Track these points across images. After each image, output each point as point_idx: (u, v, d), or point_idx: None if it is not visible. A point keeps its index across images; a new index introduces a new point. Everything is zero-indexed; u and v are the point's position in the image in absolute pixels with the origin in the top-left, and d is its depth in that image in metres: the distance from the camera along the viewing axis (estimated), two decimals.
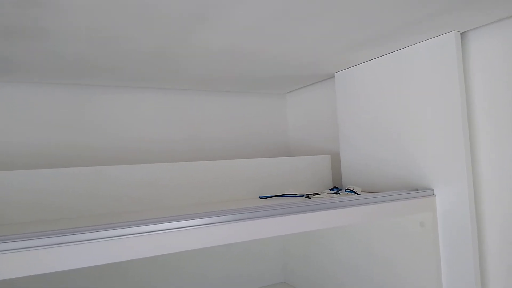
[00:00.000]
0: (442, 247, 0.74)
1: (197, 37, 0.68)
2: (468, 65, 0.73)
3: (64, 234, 0.48)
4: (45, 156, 0.94)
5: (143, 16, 0.58)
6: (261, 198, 0.87)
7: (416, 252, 0.76)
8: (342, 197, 0.73)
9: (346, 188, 0.86)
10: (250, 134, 1.21)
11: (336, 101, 1.01)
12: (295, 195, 0.86)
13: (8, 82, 0.92)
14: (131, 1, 0.53)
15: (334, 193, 0.87)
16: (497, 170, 0.69)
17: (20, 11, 0.54)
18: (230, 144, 1.18)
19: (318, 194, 0.86)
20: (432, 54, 0.75)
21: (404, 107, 0.81)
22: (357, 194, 0.81)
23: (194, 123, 1.13)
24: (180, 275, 1.00)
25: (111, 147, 1.01)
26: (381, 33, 0.71)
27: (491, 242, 0.70)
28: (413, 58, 0.79)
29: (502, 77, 0.68)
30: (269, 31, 0.67)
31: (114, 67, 0.84)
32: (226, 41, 0.71)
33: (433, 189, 0.75)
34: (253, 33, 0.67)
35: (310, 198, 0.82)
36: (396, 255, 0.80)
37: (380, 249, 0.83)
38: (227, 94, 1.18)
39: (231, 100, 1.19)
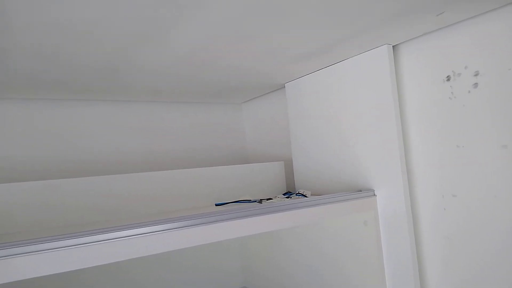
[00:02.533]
0: (384, 243, 0.79)
1: (146, 53, 0.71)
2: (401, 75, 0.80)
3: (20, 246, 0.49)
4: (4, 169, 0.93)
5: (91, 34, 0.60)
6: (216, 205, 0.90)
7: (361, 249, 0.82)
8: (291, 200, 0.77)
9: (297, 192, 0.91)
10: (208, 143, 1.24)
11: (287, 109, 1.06)
12: (249, 201, 0.90)
13: None
14: (77, 20, 0.55)
15: (286, 197, 0.91)
16: (428, 170, 0.76)
17: None
18: (189, 154, 1.20)
19: (271, 198, 0.91)
20: (369, 65, 0.81)
21: (347, 114, 0.87)
22: (306, 197, 0.86)
23: (150, 134, 1.14)
24: (137, 283, 1.00)
25: (66, 160, 1.01)
26: (321, 46, 0.76)
27: (426, 235, 0.77)
28: (352, 69, 0.85)
29: (429, 85, 0.75)
30: (219, 45, 0.71)
31: (66, 81, 0.85)
32: (176, 55, 0.74)
33: (374, 190, 0.81)
34: (204, 47, 0.71)
35: (262, 203, 0.85)
36: (344, 253, 0.85)
37: (329, 248, 0.88)
38: (183, 105, 1.21)
39: (188, 110, 1.22)
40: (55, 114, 1.01)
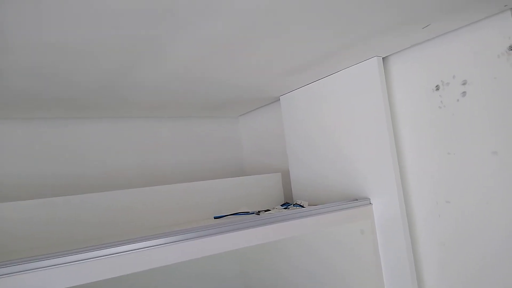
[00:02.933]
0: (381, 250, 0.81)
1: (142, 70, 0.73)
2: (391, 85, 0.82)
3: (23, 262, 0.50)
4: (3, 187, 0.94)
5: (87, 53, 0.62)
6: (215, 218, 0.91)
7: (359, 257, 0.83)
8: (289, 211, 0.78)
9: (295, 203, 0.92)
10: (206, 156, 1.26)
11: (282, 122, 1.08)
12: (247, 213, 0.91)
13: None
14: (74, 40, 0.57)
15: (284, 208, 0.92)
16: (421, 177, 0.77)
17: None
18: (186, 168, 1.21)
19: (269, 210, 0.92)
20: (360, 77, 0.83)
21: (341, 125, 0.89)
22: (303, 207, 0.87)
23: (148, 149, 1.16)
24: None
25: (66, 177, 1.02)
26: (313, 59, 0.79)
27: (422, 242, 0.78)
28: (344, 81, 0.87)
29: (419, 94, 0.77)
30: (214, 60, 0.73)
31: (63, 100, 0.87)
32: (173, 71, 0.76)
33: (369, 199, 0.82)
34: (199, 62, 0.73)
35: (260, 214, 0.87)
36: (342, 259, 0.86)
37: (328, 254, 0.89)
38: (180, 119, 1.23)
39: (185, 124, 1.24)
40: (54, 132, 1.02)
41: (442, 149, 0.74)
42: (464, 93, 0.71)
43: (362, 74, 0.83)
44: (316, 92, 0.95)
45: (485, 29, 0.68)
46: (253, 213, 0.89)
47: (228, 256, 1.17)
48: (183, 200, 0.95)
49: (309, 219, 0.73)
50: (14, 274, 0.49)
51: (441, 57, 0.74)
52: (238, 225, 0.68)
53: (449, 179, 0.74)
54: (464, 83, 0.71)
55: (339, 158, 0.90)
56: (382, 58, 0.82)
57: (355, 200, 0.83)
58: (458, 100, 0.72)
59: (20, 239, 0.77)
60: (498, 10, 0.65)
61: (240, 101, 1.10)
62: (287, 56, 0.75)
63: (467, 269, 0.72)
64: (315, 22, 0.61)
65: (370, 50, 0.77)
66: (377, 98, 0.80)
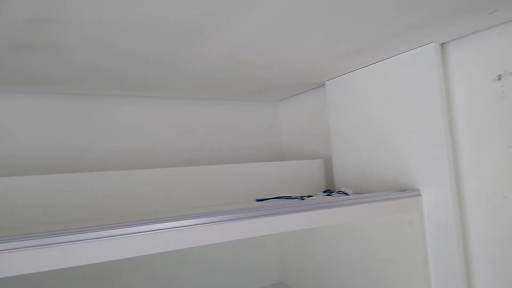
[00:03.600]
0: (429, 243, 0.78)
1: (198, 46, 0.73)
2: (448, 73, 0.78)
3: (69, 233, 0.52)
4: (51, 161, 0.98)
5: (147, 27, 0.63)
6: (257, 200, 0.91)
7: (405, 249, 0.81)
8: (333, 197, 0.77)
9: (338, 190, 0.91)
10: (245, 140, 1.26)
11: (327, 107, 1.06)
12: (290, 198, 0.91)
13: (18, 92, 0.96)
14: (135, 14, 0.58)
15: (326, 195, 0.92)
16: (477, 171, 0.74)
17: (32, 27, 0.58)
18: (226, 151, 1.22)
19: (312, 196, 0.91)
20: (415, 63, 0.80)
21: (392, 112, 0.86)
22: (348, 195, 0.86)
23: (188, 131, 1.17)
24: (173, 281, 1.03)
25: (113, 153, 1.05)
26: (367, 44, 0.76)
27: (474, 237, 0.75)
28: (398, 67, 0.84)
29: (479, 84, 0.74)
30: (267, 40, 0.72)
31: (117, 76, 0.89)
32: (227, 50, 0.76)
33: (419, 190, 0.80)
34: (252, 42, 0.72)
35: (304, 199, 0.86)
36: (389, 251, 0.84)
37: (375, 245, 0.88)
38: (222, 102, 1.23)
39: (227, 107, 1.24)
40: (104, 110, 1.05)
41: (501, 141, 0.71)
42: None
43: (417, 60, 0.80)
44: (366, 77, 0.93)
45: None
46: (296, 198, 0.89)
47: (268, 244, 1.18)
48: (225, 182, 0.95)
49: (355, 207, 0.72)
50: (31, 248, 0.50)
51: (504, 45, 0.70)
52: (282, 209, 0.67)
53: (507, 174, 0.70)
54: None
55: (387, 147, 0.87)
56: (440, 44, 0.78)
57: (404, 190, 0.81)
58: None
59: (50, 212, 0.80)
60: None
61: (283, 85, 1.08)
62: (340, 40, 0.73)
63: None
64: (371, 4, 0.58)
65: (428, 35, 0.73)
66: (433, 86, 0.77)
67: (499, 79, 0.71)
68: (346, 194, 0.87)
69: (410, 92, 0.82)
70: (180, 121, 1.16)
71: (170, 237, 0.57)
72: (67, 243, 0.50)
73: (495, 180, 0.72)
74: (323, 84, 1.09)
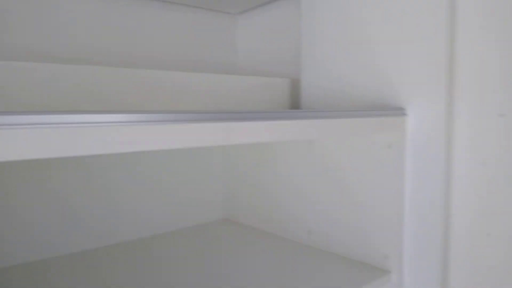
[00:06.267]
0: (408, 170, 0.65)
1: None
2: None
3: None
4: None
5: None
6: None
7: (379, 177, 0.68)
8: (301, 110, 0.61)
9: None
10: (195, 53, 1.05)
11: (300, 21, 0.88)
12: None
13: None
14: None
15: None
16: (473, 87, 0.60)
17: None
18: (171, 62, 1.02)
19: None
20: None
21: (380, 19, 0.70)
22: None
23: (132, 34, 0.95)
24: (111, 210, 0.86)
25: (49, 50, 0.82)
26: None
27: (459, 162, 0.63)
28: None
29: None
30: None
31: None
32: None
33: (404, 109, 0.66)
34: None
35: None
36: (359, 180, 0.71)
37: (341, 171, 0.74)
38: (175, 7, 1.01)
39: (175, 13, 1.02)
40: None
41: (510, 51, 0.57)
42: None
43: None
44: None
45: None
46: None
47: (212, 177, 1.02)
48: (166, 91, 0.77)
49: (326, 121, 0.57)
50: None
51: None
52: (237, 115, 0.50)
53: (506, 89, 0.57)
54: None
55: (371, 60, 0.72)
56: None
57: (385, 109, 0.66)
58: None
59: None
60: None
61: None
62: None
63: (506, 189, 0.57)
64: None
65: None
66: None
67: None
68: None
69: None
70: (122, 24, 0.94)
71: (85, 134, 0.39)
72: None
73: (494, 94, 0.58)
74: None
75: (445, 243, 0.65)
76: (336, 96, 0.79)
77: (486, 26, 0.59)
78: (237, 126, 0.50)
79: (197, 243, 0.85)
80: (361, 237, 0.72)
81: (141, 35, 0.97)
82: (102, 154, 0.86)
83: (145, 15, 0.98)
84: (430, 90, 0.62)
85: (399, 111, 0.65)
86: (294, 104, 0.94)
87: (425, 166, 0.63)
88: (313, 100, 0.84)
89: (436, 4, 0.61)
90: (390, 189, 0.66)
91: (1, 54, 0.81)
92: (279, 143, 0.88)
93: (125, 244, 0.87)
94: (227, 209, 1.04)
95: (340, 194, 0.75)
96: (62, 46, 0.87)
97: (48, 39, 0.85)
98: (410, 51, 0.65)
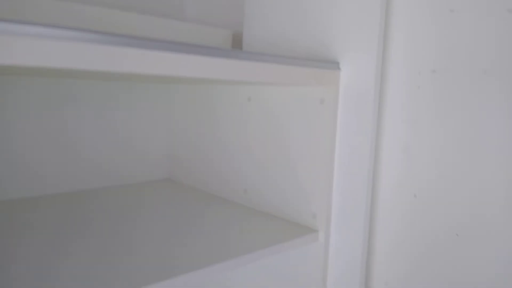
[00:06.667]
0: (340, 127, 0.64)
1: None
2: None
3: None
4: None
5: None
6: None
7: (311, 132, 0.66)
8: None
9: None
10: None
11: None
12: None
13: None
14: None
15: None
16: (406, 41, 0.59)
17: None
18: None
19: None
20: None
21: None
22: None
23: None
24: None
25: None
26: None
27: (390, 120, 0.62)
28: None
29: None
30: None
31: None
32: None
33: (339, 63, 0.63)
34: None
35: None
36: (292, 134, 0.69)
37: (275, 129, 0.72)
38: None
39: None
40: None
41: (442, 2, 0.55)
42: None
43: None
44: None
45: None
46: None
47: (156, 136, 0.97)
48: (105, 29, 0.70)
49: (259, 64, 0.53)
50: None
51: None
52: (149, 43, 0.45)
53: (442, 44, 0.56)
54: None
55: (307, 16, 0.69)
56: None
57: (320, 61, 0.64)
58: None
59: None
60: None
61: None
62: None
63: (434, 152, 0.57)
64: None
65: None
66: None
67: None
68: None
69: None
70: None
71: None
72: None
73: (426, 51, 0.57)
74: None
75: (372, 203, 0.64)
76: (276, 50, 0.75)
77: None
78: (152, 55, 0.45)
79: (133, 200, 0.80)
80: (292, 196, 0.70)
81: None
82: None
83: None
84: (363, 45, 0.60)
85: (332, 64, 0.63)
86: None
87: (356, 124, 0.62)
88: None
89: None
90: (321, 147, 0.65)
91: None
92: (220, 102, 0.84)
93: (64, 195, 0.83)
94: (170, 169, 1.00)
95: (274, 153, 0.73)
96: None
97: None
98: (345, 4, 0.62)
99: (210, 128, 0.87)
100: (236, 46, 0.90)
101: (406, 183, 0.60)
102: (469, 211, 0.54)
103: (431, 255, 0.58)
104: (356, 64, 0.61)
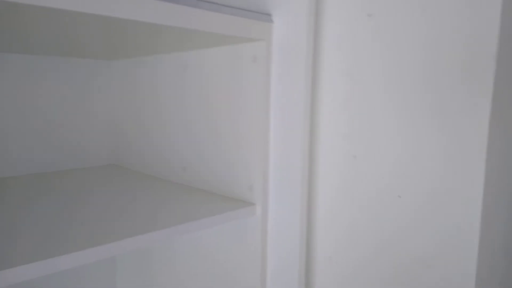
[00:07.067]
0: (274, 89, 0.58)
1: None
2: None
3: None
4: None
5: None
6: None
7: (245, 96, 0.60)
8: None
9: None
10: None
11: None
12: None
13: None
14: None
15: None
16: None
17: None
18: None
19: None
20: None
21: None
22: None
23: None
24: None
25: None
26: None
27: (326, 74, 0.56)
28: None
29: None
30: None
31: None
32: None
33: (270, 15, 0.58)
34: None
35: None
36: (225, 102, 0.63)
37: (210, 99, 0.66)
38: None
39: None
40: None
41: None
42: None
43: None
44: None
45: None
46: None
47: (99, 122, 0.89)
48: None
49: (171, 5, 0.47)
50: None
51: None
52: None
53: None
54: None
55: None
56: None
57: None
58: None
59: None
60: None
61: None
62: None
63: (374, 104, 0.52)
64: None
65: None
66: None
67: None
68: None
69: None
70: None
71: None
72: None
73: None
74: None
75: (310, 166, 0.59)
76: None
77: None
78: None
79: (71, 185, 0.73)
80: (229, 169, 0.64)
81: None
82: None
83: None
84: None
85: (264, 16, 0.57)
86: None
87: (291, 83, 0.56)
88: None
89: None
90: (255, 110, 0.59)
91: None
92: (157, 74, 0.77)
93: (6, 179, 0.76)
94: (114, 154, 0.93)
95: (210, 124, 0.66)
96: None
97: None
98: None
99: (151, 105, 0.80)
100: None
101: (345, 144, 0.55)
102: (412, 171, 0.50)
103: (372, 217, 0.54)
104: (289, 16, 0.56)
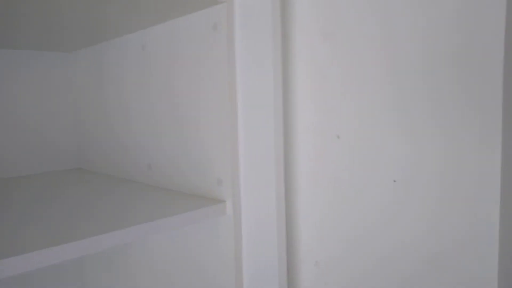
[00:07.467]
0: (239, 58, 0.49)
1: None
2: None
3: None
4: None
5: None
6: None
7: (206, 70, 0.51)
8: None
9: None
10: None
11: None
12: None
13: None
14: None
15: None
16: None
17: None
18: None
19: None
20: None
21: None
22: None
23: None
24: None
25: None
26: None
27: (299, 35, 0.47)
28: None
29: None
30: None
31: None
32: None
33: None
34: None
35: None
36: (186, 89, 0.54)
37: (172, 81, 0.57)
38: None
39: None
40: None
41: None
42: None
43: None
44: None
45: None
46: None
47: (62, 127, 0.81)
48: None
49: None
50: None
51: None
52: None
53: None
54: None
55: None
56: None
57: None
58: None
59: None
60: None
61: None
62: None
63: (355, 66, 0.43)
64: None
65: None
66: None
67: None
68: None
69: None
70: None
71: None
72: None
73: None
74: None
75: (286, 155, 0.50)
76: None
77: None
78: None
79: (35, 189, 0.65)
80: (193, 160, 0.55)
81: None
82: None
83: None
84: None
85: None
86: None
87: (258, 53, 0.47)
88: None
89: None
90: (219, 91, 0.49)
91: None
92: (116, 59, 0.69)
93: None
94: (81, 158, 0.86)
95: (173, 113, 0.57)
96: None
97: None
98: None
99: (115, 98, 0.71)
100: None
101: (327, 122, 0.46)
102: (412, 159, 0.40)
103: (365, 212, 0.44)
104: None
